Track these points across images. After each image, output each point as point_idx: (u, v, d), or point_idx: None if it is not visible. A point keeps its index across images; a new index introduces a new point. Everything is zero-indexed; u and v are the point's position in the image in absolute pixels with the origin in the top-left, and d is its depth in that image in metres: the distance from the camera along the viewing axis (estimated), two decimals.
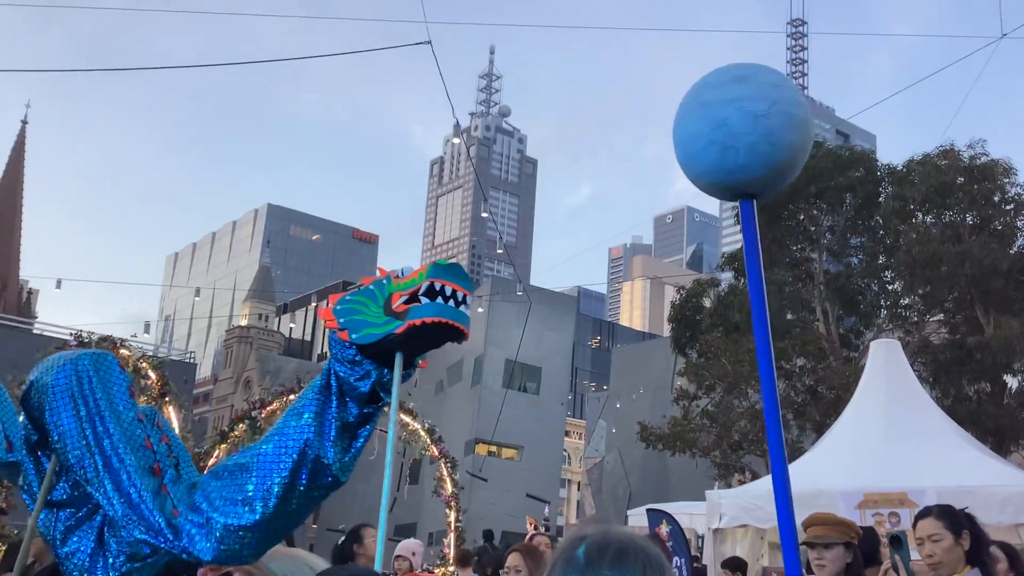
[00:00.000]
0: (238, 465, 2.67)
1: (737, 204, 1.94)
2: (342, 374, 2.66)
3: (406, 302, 2.64)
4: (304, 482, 2.61)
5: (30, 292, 70.34)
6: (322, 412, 2.65)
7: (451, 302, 2.60)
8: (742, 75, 1.80)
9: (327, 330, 2.74)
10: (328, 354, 2.69)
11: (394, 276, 2.75)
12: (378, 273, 2.82)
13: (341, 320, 2.69)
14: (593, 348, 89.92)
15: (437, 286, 2.60)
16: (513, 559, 4.81)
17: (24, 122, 71.56)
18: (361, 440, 2.73)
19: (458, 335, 2.62)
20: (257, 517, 2.56)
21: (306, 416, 2.65)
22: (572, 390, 67.44)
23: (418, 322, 2.56)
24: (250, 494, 2.60)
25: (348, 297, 2.78)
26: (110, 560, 2.74)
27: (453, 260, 2.80)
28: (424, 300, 2.60)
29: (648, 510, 12.18)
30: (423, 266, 2.69)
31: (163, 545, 2.65)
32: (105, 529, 2.77)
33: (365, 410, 2.71)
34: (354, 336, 2.64)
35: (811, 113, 1.84)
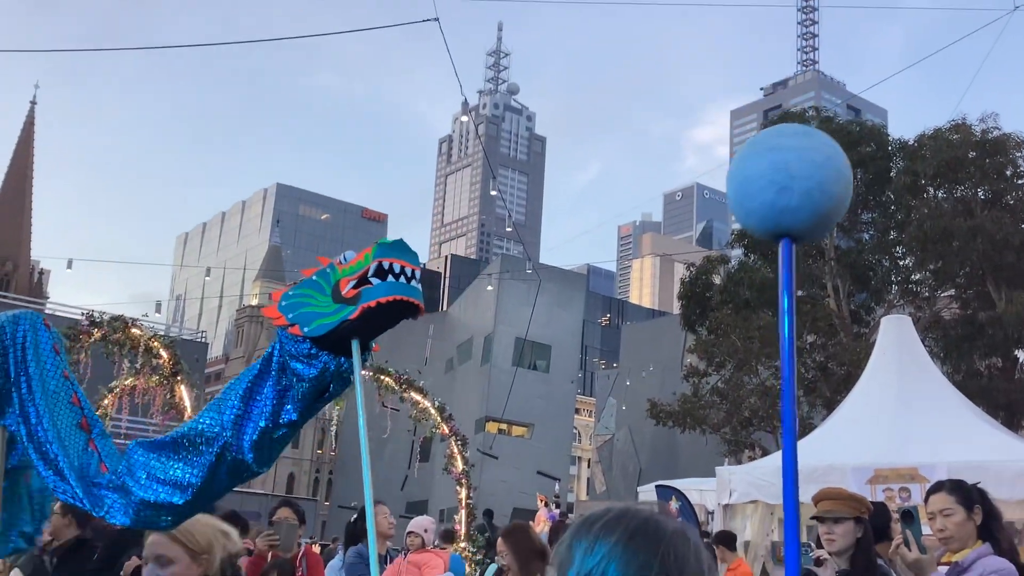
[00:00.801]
0: (167, 442, 2.68)
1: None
2: (302, 371, 2.60)
3: (355, 286, 2.60)
4: (224, 477, 2.62)
5: (41, 273, 70.68)
6: (244, 416, 2.61)
7: (401, 279, 2.58)
8: (806, 131, 2.04)
9: (276, 328, 2.68)
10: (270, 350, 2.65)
11: (337, 263, 2.73)
12: (320, 263, 2.80)
13: (289, 315, 2.62)
14: (603, 326, 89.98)
15: (386, 265, 2.57)
16: (499, 545, 4.82)
17: (33, 103, 71.63)
18: (288, 437, 2.71)
19: (413, 311, 2.61)
20: (174, 500, 2.58)
21: (226, 417, 2.61)
22: (582, 368, 67.53)
23: (373, 303, 2.54)
24: (170, 477, 2.61)
25: (291, 292, 2.72)
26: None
27: (399, 237, 2.78)
28: (375, 281, 2.58)
29: (657, 486, 12.24)
30: (367, 248, 2.67)
31: (90, 510, 2.69)
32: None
33: (316, 405, 2.71)
34: (306, 329, 2.58)
35: (851, 177, 2.08)
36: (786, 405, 2.03)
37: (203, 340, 53.42)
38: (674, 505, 11.20)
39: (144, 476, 2.63)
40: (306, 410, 2.67)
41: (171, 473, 2.61)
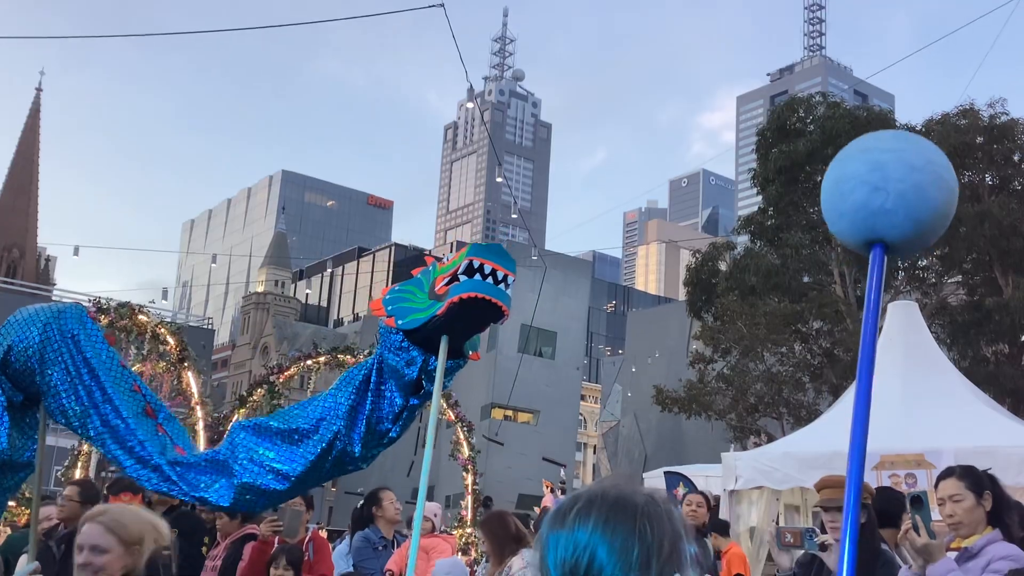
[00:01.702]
0: (273, 430, 2.72)
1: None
2: (391, 361, 2.68)
3: (447, 283, 2.65)
4: (328, 467, 2.70)
5: (48, 259, 70.78)
6: (356, 408, 2.70)
7: (490, 280, 2.59)
8: (904, 136, 1.93)
9: (378, 320, 2.77)
10: (369, 339, 2.73)
11: (439, 262, 2.76)
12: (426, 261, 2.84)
13: (389, 308, 2.72)
14: (608, 312, 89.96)
15: (476, 264, 2.60)
16: (481, 532, 5.06)
17: (39, 90, 71.59)
18: (395, 433, 2.76)
19: (497, 313, 2.62)
20: (278, 487, 2.64)
21: (342, 406, 2.70)
22: (587, 354, 67.56)
23: (456, 299, 2.55)
24: (276, 466, 2.68)
25: (397, 287, 2.81)
26: None
27: (498, 241, 2.79)
28: (463, 278, 2.59)
29: (665, 472, 12.24)
30: (464, 247, 2.70)
31: (177, 495, 2.72)
32: None
33: (412, 401, 2.73)
34: (400, 322, 2.67)
35: (958, 190, 1.94)
36: (856, 433, 1.90)
37: (210, 327, 53.42)
38: (681, 491, 11.21)
39: (247, 460, 2.68)
40: (404, 404, 2.72)
41: (278, 461, 2.67)
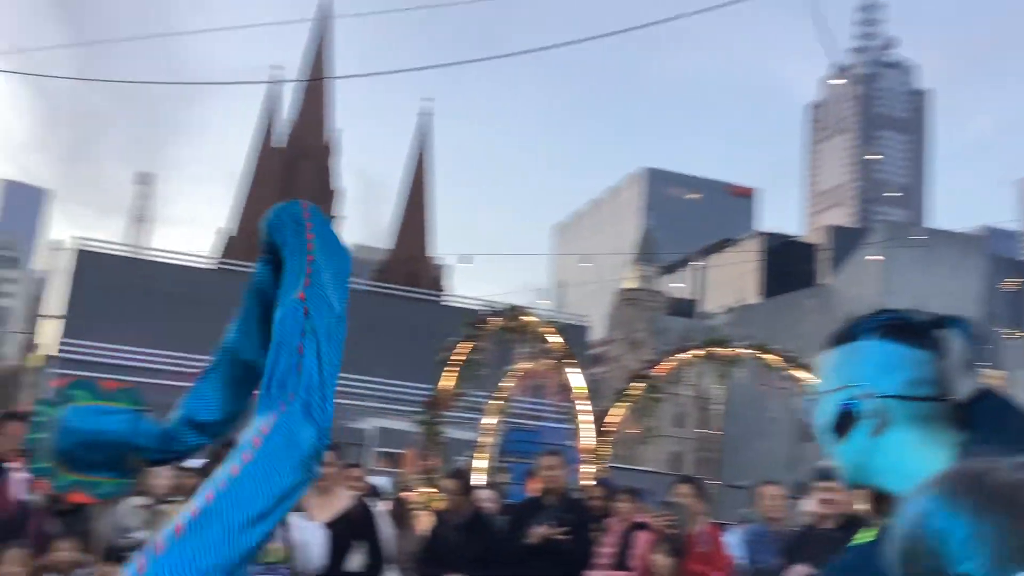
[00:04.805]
0: None
1: None
2: None
3: None
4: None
5: (441, 268, 78.20)
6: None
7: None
8: None
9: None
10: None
11: None
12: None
13: None
14: (1012, 291, 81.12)
15: None
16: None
17: (426, 114, 78.98)
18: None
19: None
20: None
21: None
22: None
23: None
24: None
25: None
26: None
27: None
28: None
29: None
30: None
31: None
32: None
33: None
34: None
35: None
36: None
37: (585, 324, 55.47)
38: None
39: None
40: None
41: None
